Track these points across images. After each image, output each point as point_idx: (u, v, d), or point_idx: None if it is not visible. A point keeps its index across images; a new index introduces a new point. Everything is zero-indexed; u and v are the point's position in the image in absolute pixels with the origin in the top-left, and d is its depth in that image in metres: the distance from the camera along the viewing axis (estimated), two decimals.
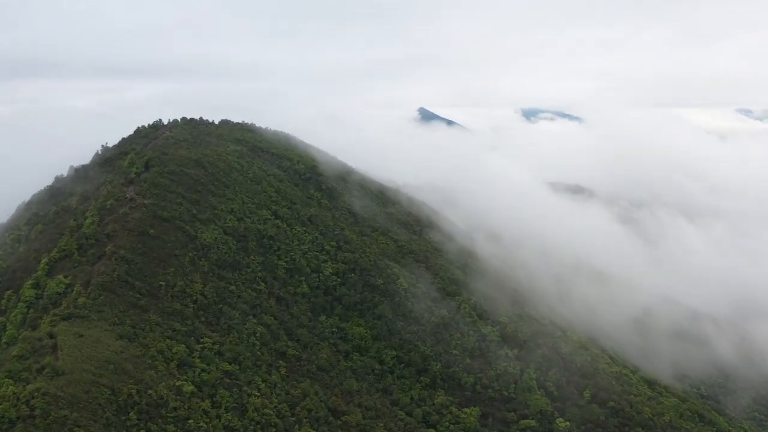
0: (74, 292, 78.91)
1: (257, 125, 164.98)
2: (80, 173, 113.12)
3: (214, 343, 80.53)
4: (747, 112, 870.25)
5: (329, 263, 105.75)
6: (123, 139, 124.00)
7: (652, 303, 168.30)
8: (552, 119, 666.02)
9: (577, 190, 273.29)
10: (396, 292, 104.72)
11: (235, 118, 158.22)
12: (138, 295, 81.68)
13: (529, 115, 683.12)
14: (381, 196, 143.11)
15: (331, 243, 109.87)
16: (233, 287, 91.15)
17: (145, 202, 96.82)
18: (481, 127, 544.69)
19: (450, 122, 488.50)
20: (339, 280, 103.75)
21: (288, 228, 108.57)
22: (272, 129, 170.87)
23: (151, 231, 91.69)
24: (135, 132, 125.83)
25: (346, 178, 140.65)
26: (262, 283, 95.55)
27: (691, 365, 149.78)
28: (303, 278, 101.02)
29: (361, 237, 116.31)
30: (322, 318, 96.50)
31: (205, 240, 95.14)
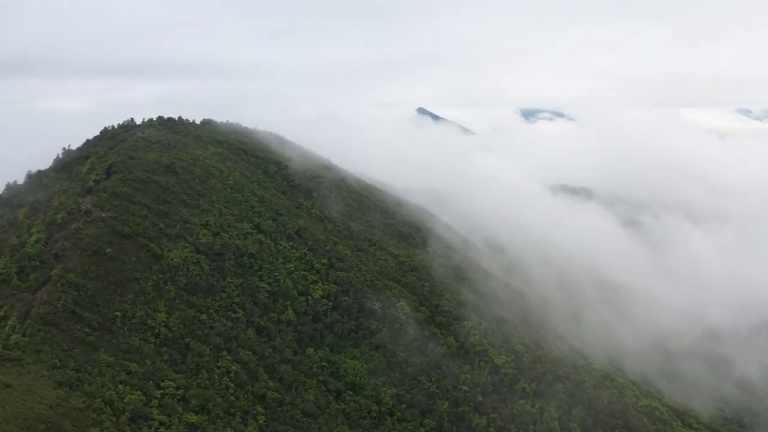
0: (7, 327, 65.09)
1: (244, 126, 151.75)
2: (34, 180, 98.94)
3: (178, 388, 66.86)
4: (746, 112, 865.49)
5: (319, 284, 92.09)
6: (87, 140, 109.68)
7: (668, 317, 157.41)
8: (551, 119, 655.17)
9: (579, 193, 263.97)
10: (396, 318, 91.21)
11: (233, 119, 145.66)
12: (87, 330, 67.93)
13: (529, 115, 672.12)
14: (379, 204, 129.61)
15: (322, 260, 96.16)
16: (204, 316, 77.41)
17: (103, 215, 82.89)
18: (481, 127, 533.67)
19: (449, 122, 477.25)
20: (330, 304, 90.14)
21: (272, 243, 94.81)
22: (261, 129, 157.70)
23: (108, 250, 77.83)
24: (101, 132, 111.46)
25: (341, 184, 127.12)
26: (240, 311, 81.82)
27: (711, 385, 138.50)
28: (288, 302, 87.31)
29: (356, 252, 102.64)
30: (310, 350, 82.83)
31: (172, 260, 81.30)
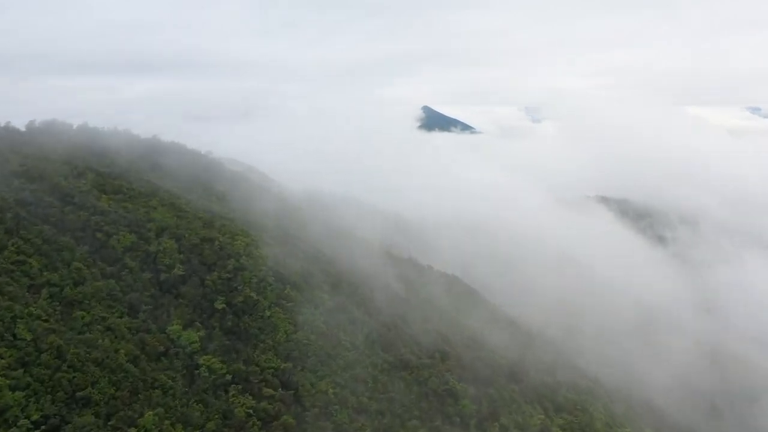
0: None
1: (164, 139, 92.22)
2: None
3: None
4: (755, 110, 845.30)
5: None
6: None
7: None
8: (558, 119, 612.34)
9: (597, 201, 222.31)
10: None
11: (230, 118, 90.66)
12: None
13: (535, 113, 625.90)
14: (387, 297, 66.42)
15: None
16: None
17: None
18: (487, 126, 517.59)
19: (454, 121, 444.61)
20: None
21: None
22: (178, 142, 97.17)
23: None
24: None
25: (307, 274, 61.97)
26: None
27: None
28: None
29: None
30: None
31: None
